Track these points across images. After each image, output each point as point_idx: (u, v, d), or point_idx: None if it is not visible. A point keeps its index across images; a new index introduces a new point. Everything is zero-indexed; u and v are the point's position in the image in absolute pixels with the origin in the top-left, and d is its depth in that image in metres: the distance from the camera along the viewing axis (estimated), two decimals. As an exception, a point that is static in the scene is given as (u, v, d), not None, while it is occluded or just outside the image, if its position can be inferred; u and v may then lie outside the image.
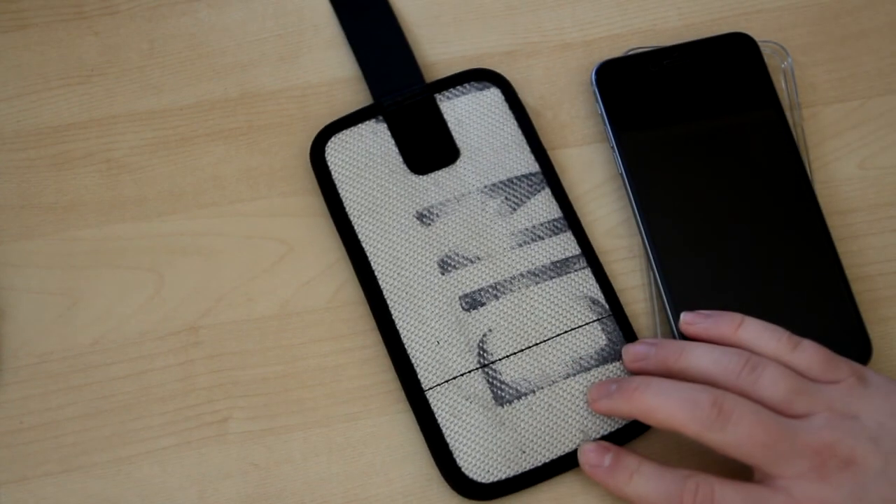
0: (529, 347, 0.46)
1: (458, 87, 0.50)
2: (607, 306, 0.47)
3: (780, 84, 0.51)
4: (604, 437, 0.45)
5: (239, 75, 0.52)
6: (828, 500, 0.39)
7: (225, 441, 0.46)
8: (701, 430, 0.40)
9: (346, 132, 0.49)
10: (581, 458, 0.44)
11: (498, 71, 0.51)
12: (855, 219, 0.49)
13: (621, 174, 0.49)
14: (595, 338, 0.46)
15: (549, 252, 0.48)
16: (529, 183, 0.49)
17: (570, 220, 0.48)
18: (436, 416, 0.45)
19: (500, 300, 0.47)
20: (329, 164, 0.49)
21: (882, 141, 0.51)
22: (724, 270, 0.47)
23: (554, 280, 0.47)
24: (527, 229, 0.48)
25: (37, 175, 0.50)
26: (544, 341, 0.46)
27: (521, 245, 0.48)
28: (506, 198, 0.48)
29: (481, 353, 0.46)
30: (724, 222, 0.48)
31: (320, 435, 0.46)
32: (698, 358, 0.43)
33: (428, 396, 0.45)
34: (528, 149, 0.49)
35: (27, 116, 0.51)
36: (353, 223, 0.48)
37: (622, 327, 0.47)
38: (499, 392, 0.45)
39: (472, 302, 0.47)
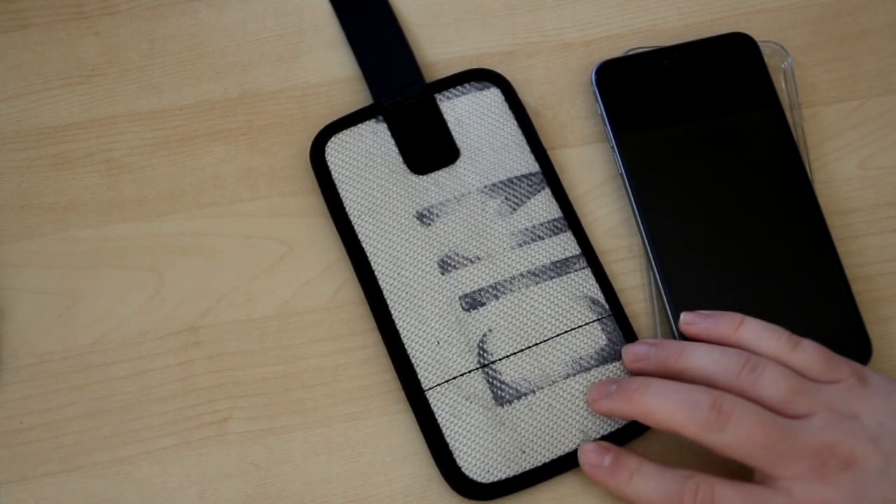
0: (529, 347, 0.46)
1: (458, 87, 0.50)
2: (607, 306, 0.47)
3: (780, 84, 0.51)
4: (604, 437, 0.45)
5: (239, 75, 0.52)
6: (828, 500, 0.39)
7: (225, 441, 0.46)
8: (700, 431, 0.40)
9: (346, 132, 0.49)
10: (581, 458, 0.44)
11: (498, 71, 0.51)
12: (855, 219, 0.49)
13: (621, 174, 0.49)
14: (595, 338, 0.46)
15: (549, 252, 0.48)
16: (529, 183, 0.49)
17: (570, 220, 0.48)
18: (436, 416, 0.45)
19: (500, 300, 0.47)
20: (329, 164, 0.49)
21: (882, 141, 0.51)
22: (724, 270, 0.47)
23: (554, 280, 0.47)
24: (527, 229, 0.48)
25: (37, 175, 0.50)
26: (544, 341, 0.46)
27: (521, 245, 0.48)
28: (506, 198, 0.48)
29: (481, 353, 0.46)
30: (724, 222, 0.48)
31: (320, 435, 0.46)
32: (698, 358, 0.43)
33: (428, 396, 0.45)
34: (528, 149, 0.49)
35: (27, 116, 0.51)
36: (353, 223, 0.48)
37: (622, 327, 0.47)
38: (499, 392, 0.45)
39: (472, 302, 0.47)
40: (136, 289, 0.48)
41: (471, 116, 0.50)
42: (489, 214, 0.48)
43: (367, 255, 0.47)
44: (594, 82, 0.50)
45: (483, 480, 0.44)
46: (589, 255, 0.48)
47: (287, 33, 0.53)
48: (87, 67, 0.52)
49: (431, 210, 0.48)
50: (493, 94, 0.50)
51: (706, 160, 0.49)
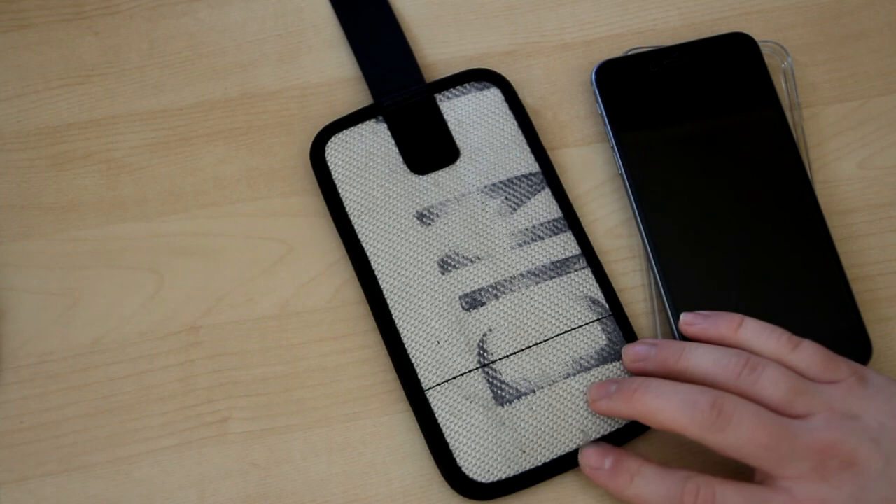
0: (529, 347, 0.46)
1: (458, 87, 0.50)
2: (607, 306, 0.47)
3: (780, 84, 0.51)
4: (604, 437, 0.45)
5: (239, 75, 0.52)
6: (828, 499, 0.39)
7: (225, 441, 0.46)
8: (701, 431, 0.40)
9: (346, 132, 0.49)
10: (581, 460, 0.44)
11: (498, 71, 0.51)
12: (855, 219, 0.49)
13: (621, 174, 0.49)
14: (595, 338, 0.46)
15: (549, 252, 0.48)
16: (529, 183, 0.49)
17: (570, 220, 0.48)
18: (436, 415, 0.45)
19: (500, 300, 0.47)
20: (329, 164, 0.49)
21: (882, 141, 0.51)
22: (724, 270, 0.47)
23: (554, 280, 0.47)
24: (527, 229, 0.48)
25: (37, 175, 0.50)
26: (544, 341, 0.46)
27: (521, 245, 0.48)
28: (506, 198, 0.48)
29: (481, 352, 0.46)
30: (724, 222, 0.48)
31: (320, 435, 0.46)
32: (698, 358, 0.43)
33: (428, 396, 0.45)
34: (528, 149, 0.49)
35: (27, 116, 0.51)
36: (353, 223, 0.48)
37: (622, 327, 0.47)
38: (499, 392, 0.45)
39: (472, 302, 0.47)
40: (136, 289, 0.48)
41: (471, 116, 0.50)
42: (489, 214, 0.48)
43: (367, 255, 0.47)
44: (594, 82, 0.50)
45: (483, 480, 0.44)
46: (589, 254, 0.48)
47: (287, 33, 0.53)
48: (87, 67, 0.52)
49: (431, 210, 0.48)
50: (493, 94, 0.50)
51: (706, 160, 0.49)
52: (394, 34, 0.52)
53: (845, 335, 0.46)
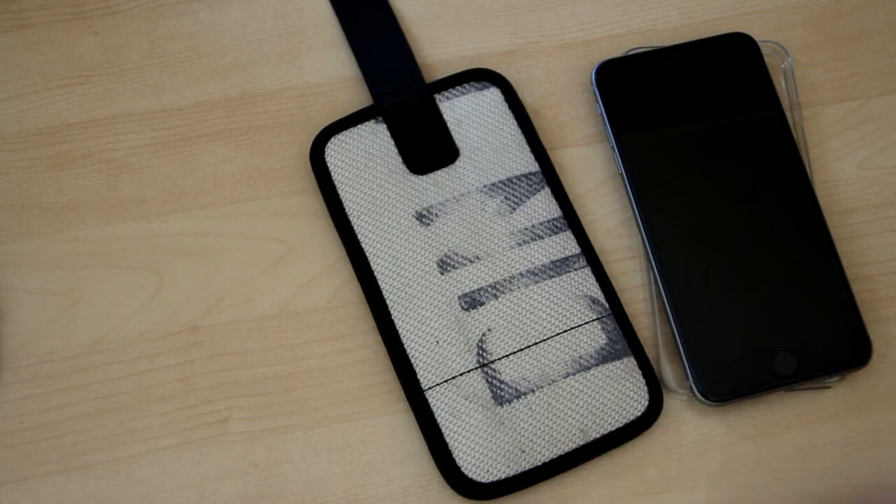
0: (529, 347, 0.46)
1: (458, 87, 0.50)
2: (607, 305, 0.47)
3: (780, 84, 0.51)
4: (604, 437, 0.45)
5: (239, 75, 0.52)
6: None
7: (225, 441, 0.46)
8: None
9: (346, 133, 0.49)
10: None
11: (498, 71, 0.51)
12: (855, 219, 0.49)
13: (621, 174, 0.49)
14: (595, 337, 0.46)
15: (549, 251, 0.48)
16: (529, 182, 0.49)
17: (570, 219, 0.48)
18: (435, 415, 0.45)
19: (500, 299, 0.47)
20: (329, 164, 0.49)
21: (882, 141, 0.51)
22: (724, 270, 0.47)
23: (553, 279, 0.47)
24: (526, 229, 0.48)
25: (37, 175, 0.50)
26: (544, 340, 0.46)
27: (520, 244, 0.48)
28: (505, 197, 0.48)
29: (480, 352, 0.46)
30: (724, 222, 0.48)
31: (320, 435, 0.46)
32: None
33: (427, 396, 0.45)
34: (527, 149, 0.49)
35: (27, 116, 0.51)
36: (352, 223, 0.48)
37: (622, 326, 0.47)
38: (498, 391, 0.45)
39: (472, 301, 0.47)
40: (136, 289, 0.48)
41: (470, 116, 0.50)
42: (489, 214, 0.48)
43: (367, 255, 0.47)
44: (594, 82, 0.50)
45: (483, 480, 0.44)
46: (589, 254, 0.48)
47: (287, 33, 0.53)
48: (87, 67, 0.52)
49: (431, 210, 0.48)
50: (493, 94, 0.50)
51: (706, 160, 0.49)
52: (394, 34, 0.52)
53: (845, 335, 0.46)
